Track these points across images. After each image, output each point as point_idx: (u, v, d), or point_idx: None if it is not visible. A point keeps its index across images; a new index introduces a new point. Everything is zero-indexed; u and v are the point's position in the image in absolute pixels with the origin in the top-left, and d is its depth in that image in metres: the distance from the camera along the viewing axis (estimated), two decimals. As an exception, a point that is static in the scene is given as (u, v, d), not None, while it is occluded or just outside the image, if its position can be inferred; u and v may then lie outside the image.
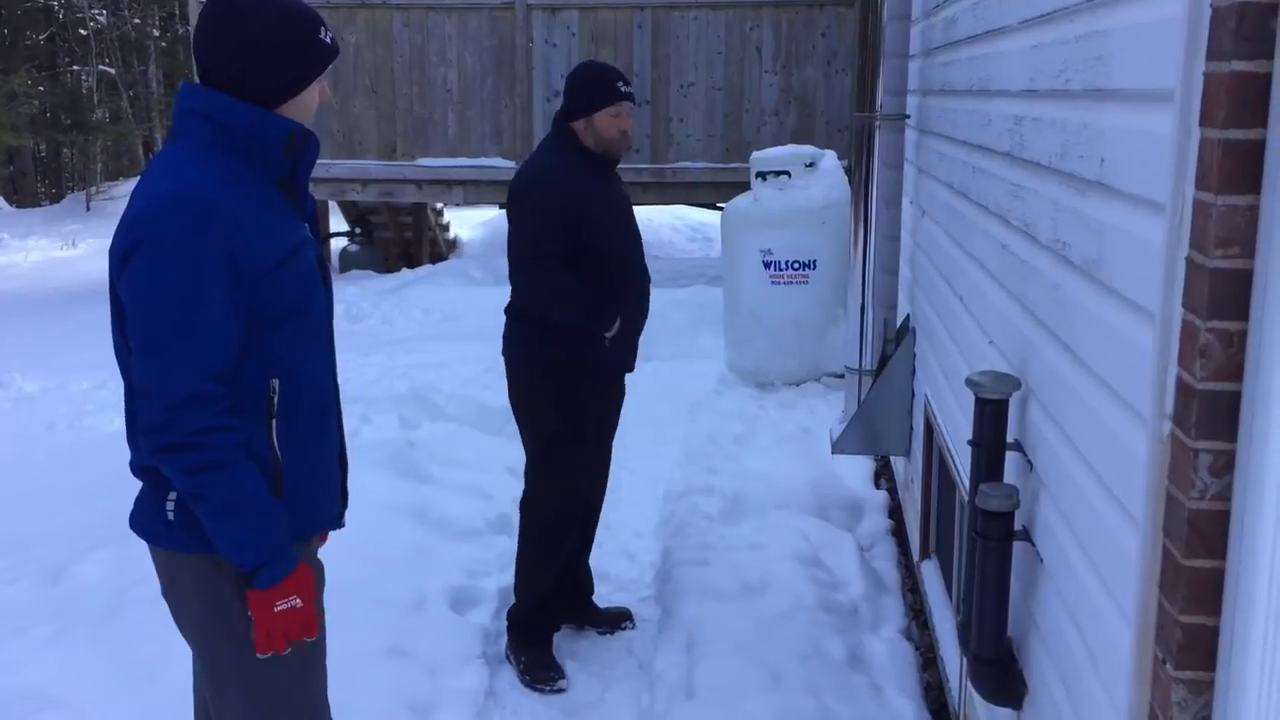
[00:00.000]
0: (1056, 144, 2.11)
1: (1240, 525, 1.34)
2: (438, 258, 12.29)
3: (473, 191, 10.27)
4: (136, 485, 2.10)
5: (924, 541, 3.83)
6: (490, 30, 9.98)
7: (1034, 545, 2.23)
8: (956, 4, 3.37)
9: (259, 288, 1.96)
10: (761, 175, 6.82)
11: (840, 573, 4.12)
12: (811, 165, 6.84)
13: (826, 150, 7.26)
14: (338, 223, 12.35)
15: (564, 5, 9.85)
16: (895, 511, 4.68)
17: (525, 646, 3.61)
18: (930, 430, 3.71)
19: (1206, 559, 1.38)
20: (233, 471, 1.92)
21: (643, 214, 4.22)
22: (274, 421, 2.02)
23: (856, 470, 5.10)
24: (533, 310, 3.51)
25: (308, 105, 2.08)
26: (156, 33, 23.84)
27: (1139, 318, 1.60)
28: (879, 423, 4.29)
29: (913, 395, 4.20)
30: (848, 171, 5.23)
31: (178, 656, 2.34)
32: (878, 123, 4.31)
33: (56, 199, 22.39)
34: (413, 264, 11.83)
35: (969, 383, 2.31)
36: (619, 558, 4.42)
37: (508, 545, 4.00)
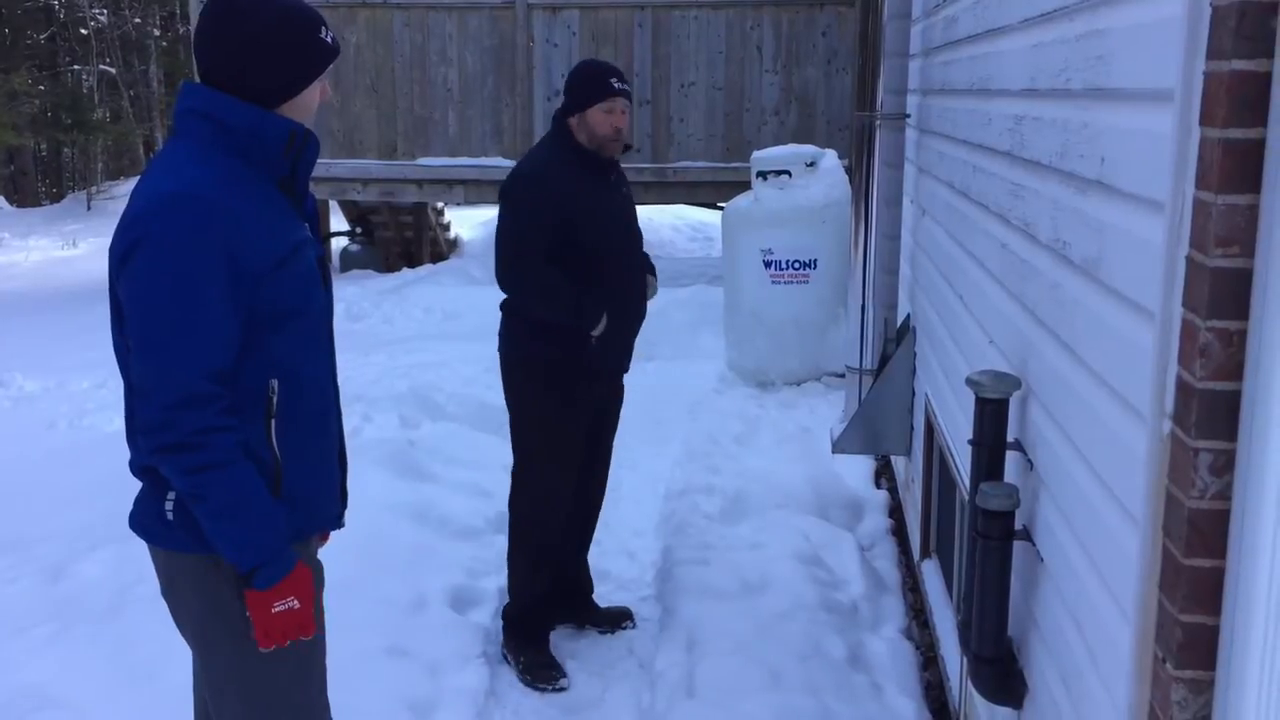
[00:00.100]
0: (1057, 143, 2.11)
1: (1240, 524, 1.34)
2: (438, 257, 12.29)
3: (473, 191, 10.27)
4: (136, 485, 2.10)
5: (924, 541, 3.83)
6: (491, 29, 9.99)
7: (1034, 544, 2.23)
8: (957, 3, 3.36)
9: (259, 287, 1.96)
10: (762, 175, 6.82)
11: (840, 572, 4.12)
12: (812, 165, 6.84)
13: (827, 150, 7.25)
14: (338, 222, 12.35)
15: (564, 4, 9.85)
16: (896, 511, 4.67)
17: (522, 646, 3.61)
18: (930, 430, 3.71)
19: (1206, 558, 1.38)
20: (231, 472, 1.92)
21: (643, 213, 4.22)
22: (273, 421, 2.02)
23: (857, 470, 5.10)
24: (521, 306, 3.51)
25: (308, 105, 2.08)
26: (157, 32, 23.87)
27: (1139, 317, 1.59)
28: (879, 422, 4.29)
29: (913, 395, 4.20)
30: (848, 171, 5.23)
31: (178, 656, 2.34)
32: (878, 122, 4.31)
33: (57, 198, 22.40)
34: (413, 263, 11.83)
35: (969, 382, 2.31)
36: (619, 557, 4.42)
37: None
